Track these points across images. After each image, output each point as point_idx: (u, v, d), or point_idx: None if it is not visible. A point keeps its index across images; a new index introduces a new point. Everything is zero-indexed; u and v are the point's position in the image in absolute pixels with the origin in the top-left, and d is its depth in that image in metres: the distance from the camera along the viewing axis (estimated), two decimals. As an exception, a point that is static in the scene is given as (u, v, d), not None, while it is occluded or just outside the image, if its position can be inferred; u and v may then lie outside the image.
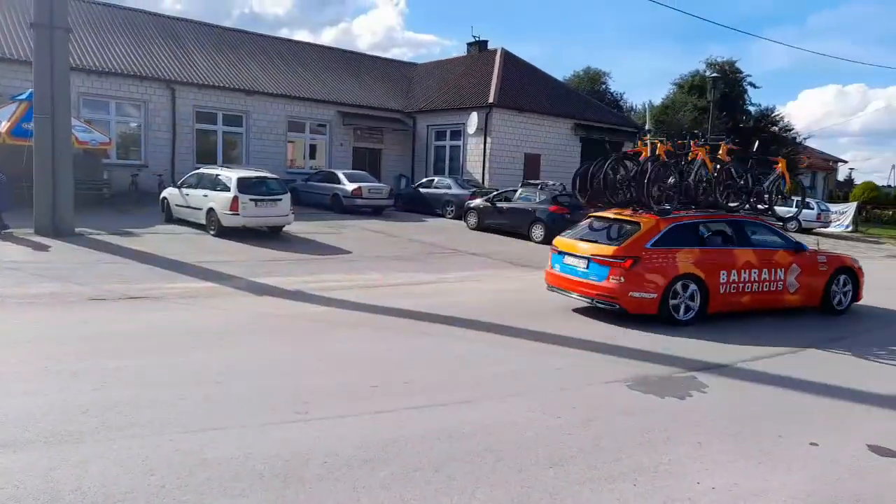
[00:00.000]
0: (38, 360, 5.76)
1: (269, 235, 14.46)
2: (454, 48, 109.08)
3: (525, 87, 26.89)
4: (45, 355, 5.88)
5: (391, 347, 6.90)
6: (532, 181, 18.90)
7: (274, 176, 15.37)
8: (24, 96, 15.78)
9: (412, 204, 22.13)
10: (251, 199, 13.66)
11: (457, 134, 26.13)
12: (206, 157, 22.30)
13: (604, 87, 47.30)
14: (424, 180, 23.25)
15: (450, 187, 21.35)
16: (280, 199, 14.24)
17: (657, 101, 47.10)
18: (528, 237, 16.83)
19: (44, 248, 11.57)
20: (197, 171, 15.71)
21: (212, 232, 14.03)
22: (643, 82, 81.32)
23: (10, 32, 19.64)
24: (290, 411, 4.84)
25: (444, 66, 31.21)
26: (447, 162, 26.71)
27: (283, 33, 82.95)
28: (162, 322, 7.44)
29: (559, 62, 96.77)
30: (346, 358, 6.38)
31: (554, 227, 16.40)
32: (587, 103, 31.34)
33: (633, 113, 47.67)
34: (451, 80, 28.59)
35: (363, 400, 5.18)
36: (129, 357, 5.98)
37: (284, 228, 14.87)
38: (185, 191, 15.14)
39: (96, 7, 24.02)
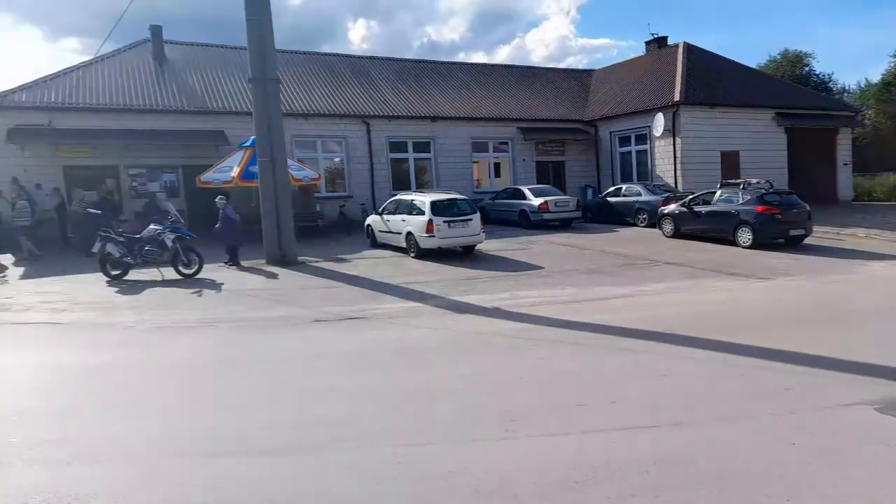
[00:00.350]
0: (275, 377, 6.55)
1: (463, 255, 15.01)
2: (631, 49, 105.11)
3: (714, 80, 25.08)
4: (280, 372, 6.67)
5: (593, 364, 6.78)
6: (732, 181, 17.48)
7: (463, 197, 15.94)
8: (248, 143, 18.08)
9: (601, 214, 21.63)
10: (444, 221, 14.31)
11: (642, 138, 25.11)
12: (401, 183, 23.86)
13: (807, 69, 42.54)
14: (612, 189, 22.61)
15: (640, 194, 20.52)
16: (471, 219, 14.74)
17: (875, 79, 41.29)
18: (733, 242, 15.57)
19: (274, 276, 13.14)
20: (394, 198, 16.84)
21: (412, 254, 14.93)
22: (854, 59, 71.43)
23: (233, 90, 22.78)
24: (499, 428, 4.95)
25: (622, 69, 30.26)
26: (634, 168, 25.73)
27: (461, 57, 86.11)
28: (376, 341, 8.07)
29: (751, 49, 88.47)
30: (548, 375, 6.39)
31: (763, 230, 15.04)
32: (789, 89, 28.41)
33: (845, 94, 42.20)
34: (631, 83, 27.62)
35: (570, 419, 5.14)
36: (350, 374, 6.56)
37: (477, 247, 15.36)
38: (385, 217, 16.31)
39: (299, 56, 27.01)
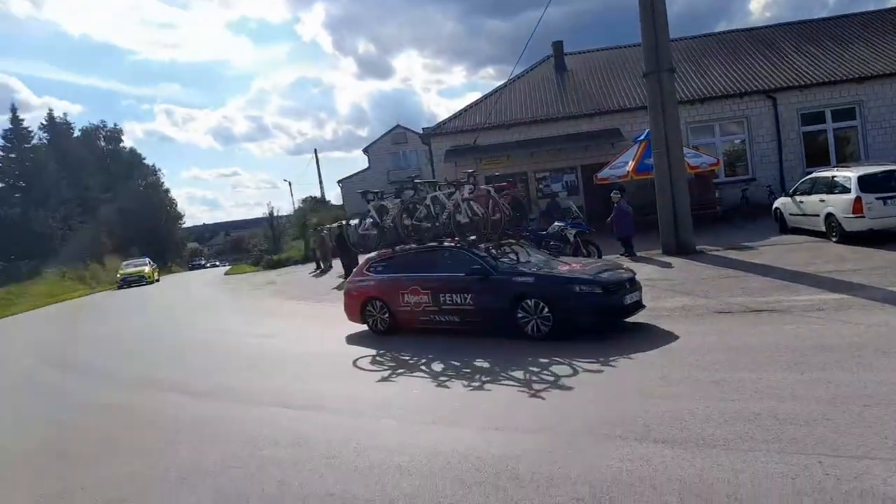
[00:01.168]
0: (678, 368, 6.37)
1: (907, 237, 12.22)
2: None
3: None
4: (683, 364, 6.46)
5: None
6: None
7: (904, 167, 13.00)
8: (642, 137, 18.15)
9: None
10: (878, 199, 11.84)
11: None
12: (816, 159, 20.66)
13: None
14: None
15: None
16: (918, 194, 11.87)
17: None
18: None
19: (668, 265, 12.89)
20: (809, 177, 14.73)
21: (833, 239, 12.79)
22: None
23: (626, 87, 23.11)
24: (973, 451, 3.87)
25: None
26: None
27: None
28: (790, 335, 7.16)
29: None
30: None
31: None
32: None
33: None
34: None
35: None
36: (762, 370, 5.97)
37: (930, 226, 12.31)
38: (798, 198, 14.38)
39: (691, 41, 25.82)
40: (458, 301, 8.99)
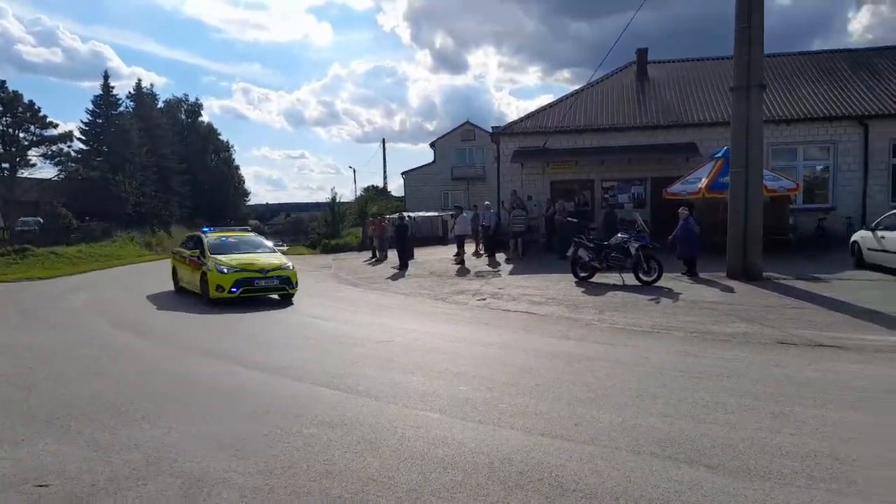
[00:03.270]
0: (731, 395, 6.14)
1: None
2: None
3: None
4: (743, 393, 6.23)
5: None
6: None
7: None
8: (720, 154, 17.61)
9: None
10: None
11: None
12: (904, 194, 19.65)
13: None
14: None
15: None
16: None
17: None
18: None
19: (731, 290, 12.48)
20: (894, 212, 13.98)
21: (914, 280, 12.12)
22: None
23: (708, 101, 22.44)
24: None
25: None
26: None
27: None
28: (857, 375, 6.83)
29: None
30: None
31: None
32: None
33: None
34: None
35: None
36: (825, 407, 5.71)
37: None
38: (879, 233, 13.69)
39: (782, 58, 24.82)
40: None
